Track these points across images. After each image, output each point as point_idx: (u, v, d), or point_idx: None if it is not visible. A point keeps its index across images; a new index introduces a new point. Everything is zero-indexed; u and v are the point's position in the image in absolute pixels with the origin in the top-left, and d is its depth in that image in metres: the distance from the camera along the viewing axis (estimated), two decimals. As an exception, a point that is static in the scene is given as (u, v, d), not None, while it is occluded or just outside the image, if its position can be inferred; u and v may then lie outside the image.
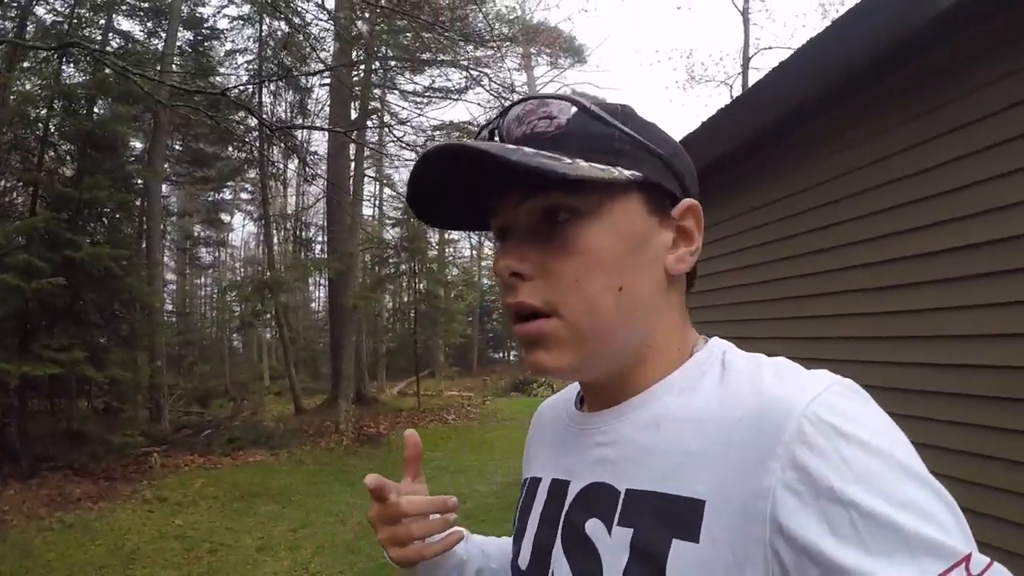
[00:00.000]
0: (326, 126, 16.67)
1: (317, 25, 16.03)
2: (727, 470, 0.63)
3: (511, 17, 18.85)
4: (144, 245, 13.62)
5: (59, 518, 7.32)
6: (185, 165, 17.62)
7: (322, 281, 26.91)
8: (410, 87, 19.19)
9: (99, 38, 13.25)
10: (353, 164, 18.13)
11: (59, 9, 13.00)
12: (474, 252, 34.49)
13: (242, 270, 29.00)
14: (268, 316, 18.38)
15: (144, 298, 11.50)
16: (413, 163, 0.74)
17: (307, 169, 17.29)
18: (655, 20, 62.03)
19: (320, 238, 24.49)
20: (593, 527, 0.73)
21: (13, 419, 9.69)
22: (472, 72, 17.03)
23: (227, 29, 16.06)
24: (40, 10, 12.68)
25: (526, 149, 0.68)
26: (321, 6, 15.96)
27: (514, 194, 0.73)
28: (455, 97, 18.82)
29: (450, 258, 26.13)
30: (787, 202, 4.67)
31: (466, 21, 15.63)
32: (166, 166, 17.17)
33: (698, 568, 0.62)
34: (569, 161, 0.68)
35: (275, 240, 22.12)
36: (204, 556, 6.35)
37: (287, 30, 15.17)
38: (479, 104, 20.17)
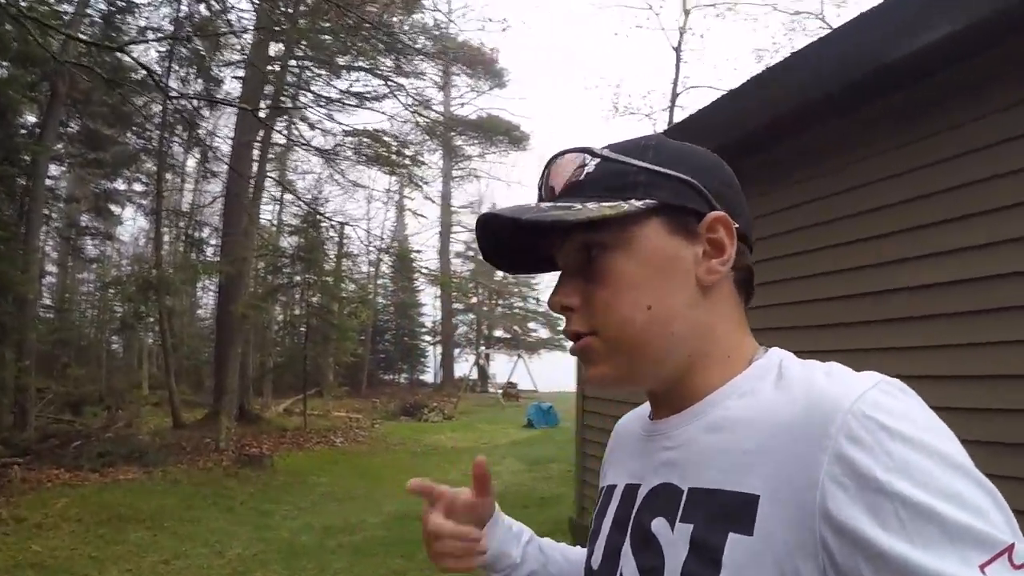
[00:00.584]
0: (235, 102, 15.92)
1: (236, 11, 15.38)
2: (779, 465, 0.67)
3: (436, 32, 18.66)
4: (23, 229, 12.48)
5: None
6: (78, 145, 16.42)
7: (211, 287, 25.83)
8: (326, 91, 18.72)
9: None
10: (256, 165, 17.51)
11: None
12: (372, 269, 34.02)
13: (128, 267, 27.51)
14: (151, 319, 17.36)
15: (17, 287, 10.61)
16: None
17: (207, 164, 16.52)
18: (588, 50, 63.38)
19: (214, 240, 23.48)
20: (658, 525, 0.77)
21: None
22: (391, 83, 16.72)
23: (143, 4, 15.09)
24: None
25: (543, 205, 0.80)
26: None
27: (553, 239, 0.85)
28: (369, 107, 18.42)
29: (347, 272, 25.67)
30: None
31: (390, 29, 15.32)
32: (59, 145, 16.02)
33: (751, 559, 0.65)
34: (579, 207, 0.77)
35: (165, 238, 21.08)
36: (63, 589, 5.66)
37: (206, 14, 14.45)
38: (393, 117, 19.90)
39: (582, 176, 0.80)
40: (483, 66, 23.90)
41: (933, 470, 0.59)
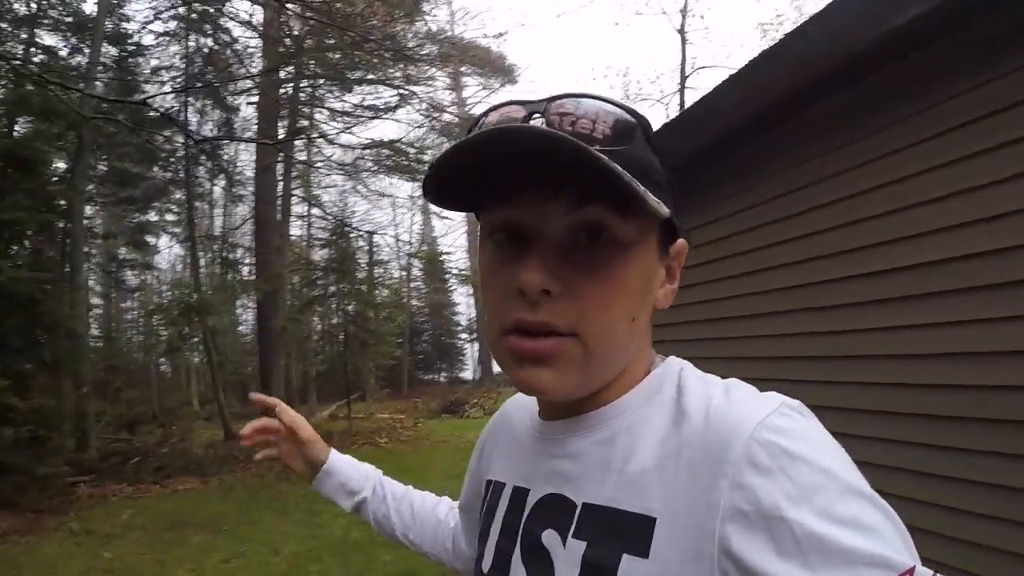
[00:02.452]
0: (254, 138, 16.46)
1: (243, 42, 15.90)
2: (677, 488, 0.65)
3: (440, 36, 18.95)
4: (67, 268, 13.20)
5: (-19, 553, 7.00)
6: (109, 185, 17.14)
7: (250, 304, 26.42)
8: (339, 105, 19.14)
9: (21, 52, 12.91)
10: (281, 183, 17.94)
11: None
12: (403, 273, 34.40)
13: (169, 293, 28.30)
14: (195, 340, 17.91)
15: (67, 323, 11.16)
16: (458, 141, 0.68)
17: (233, 189, 17.03)
18: (591, 39, 61.98)
19: (248, 259, 24.11)
20: (549, 537, 0.75)
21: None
22: (403, 91, 17.00)
23: (153, 45, 15.76)
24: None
25: (596, 149, 0.64)
26: (248, 23, 15.87)
27: (561, 200, 0.69)
28: (385, 116, 18.81)
29: (379, 279, 25.99)
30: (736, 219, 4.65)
31: (395, 40, 15.65)
32: (91, 187, 16.71)
33: None
34: (636, 181, 0.65)
35: (201, 262, 21.69)
36: (133, 591, 6.04)
37: (214, 46, 14.98)
38: (407, 123, 20.22)
39: (619, 142, 0.69)
40: (491, 65, 23.98)
41: (833, 494, 0.58)
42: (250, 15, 16.18)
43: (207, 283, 21.70)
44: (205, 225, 25.96)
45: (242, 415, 19.23)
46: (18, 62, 10.11)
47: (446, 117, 20.88)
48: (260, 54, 15.33)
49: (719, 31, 65.36)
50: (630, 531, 0.66)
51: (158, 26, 15.72)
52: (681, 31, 24.29)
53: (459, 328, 39.26)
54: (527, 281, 0.68)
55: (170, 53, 16.27)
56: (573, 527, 0.72)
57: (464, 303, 39.28)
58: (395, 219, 35.80)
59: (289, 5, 14.01)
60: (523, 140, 0.64)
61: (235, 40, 15.35)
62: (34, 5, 13.24)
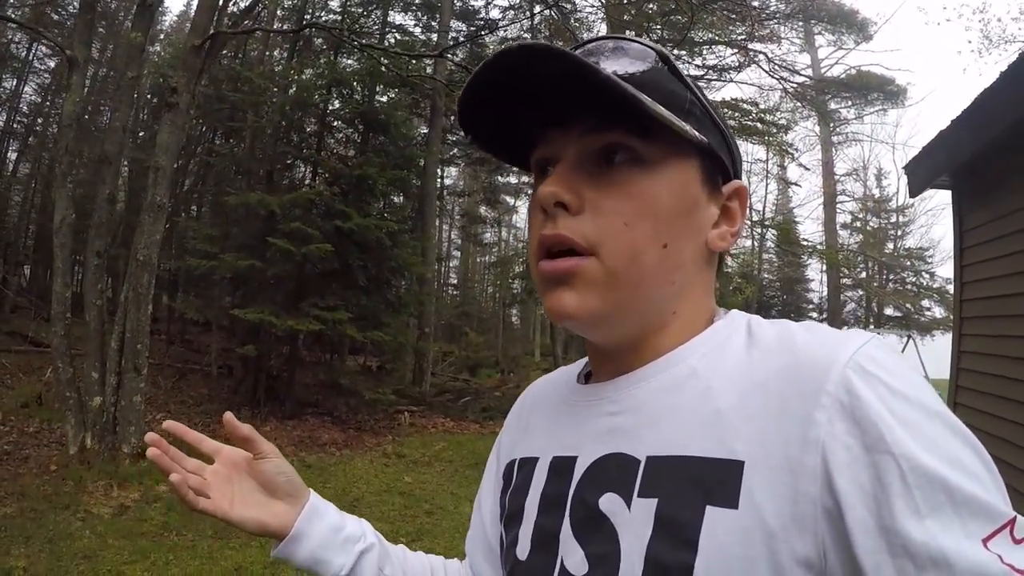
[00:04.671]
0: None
1: (585, 11, 16.24)
2: (766, 424, 0.59)
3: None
4: (420, 222, 14.75)
5: (302, 458, 8.14)
6: (463, 148, 18.75)
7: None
8: (684, 68, 18.79)
9: (376, 30, 14.60)
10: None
11: (333, 7, 14.82)
12: (755, 244, 33.31)
13: (523, 247, 30.42)
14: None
15: (415, 268, 12.39)
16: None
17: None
18: None
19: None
20: (609, 502, 0.66)
21: (286, 368, 11.10)
22: (750, 51, 16.30)
23: (499, 20, 16.74)
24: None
25: (608, 71, 0.64)
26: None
27: (579, 123, 0.69)
28: (728, 78, 18.14)
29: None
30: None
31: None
32: (455, 150, 18.49)
33: (736, 538, 0.57)
34: (651, 101, 0.64)
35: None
36: (420, 516, 6.56)
37: (558, 17, 15.52)
38: (757, 85, 19.30)
39: (639, 71, 0.69)
40: (844, 20, 21.90)
41: (934, 431, 0.55)
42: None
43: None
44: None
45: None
46: (336, 28, 11.58)
47: (798, 79, 19.59)
48: (603, 21, 15.56)
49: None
50: (712, 480, 0.59)
51: (503, 0, 16.76)
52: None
53: (810, 307, 37.22)
54: (543, 194, 0.68)
55: (518, 27, 17.15)
56: (638, 485, 0.64)
57: (817, 280, 37.13)
58: (751, 186, 34.55)
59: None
60: (530, 56, 0.63)
61: (578, 9, 15.75)
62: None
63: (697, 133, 0.68)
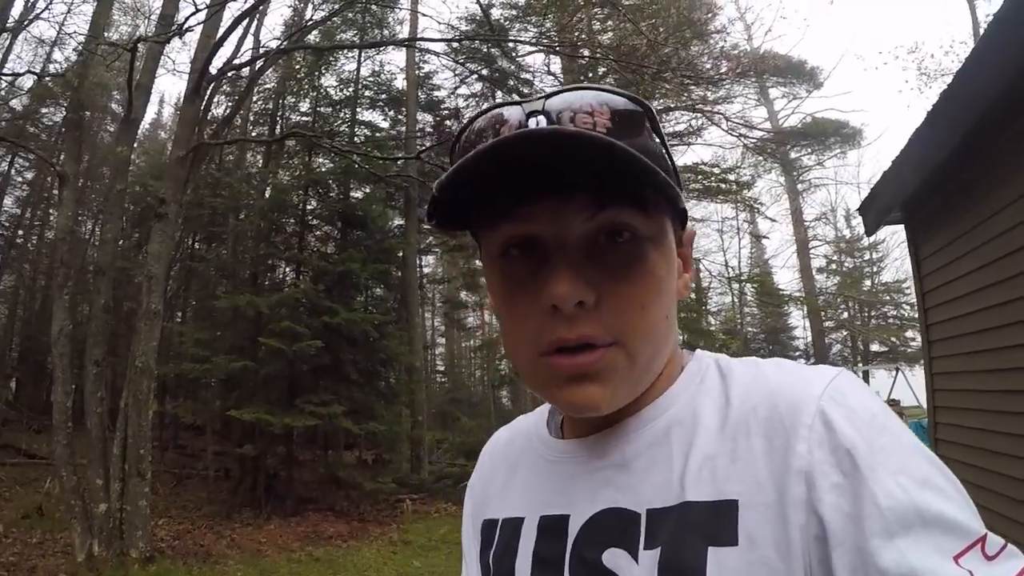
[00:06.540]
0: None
1: (539, 76, 16.90)
2: (753, 461, 0.61)
3: (735, 52, 18.44)
4: (404, 312, 14.96)
5: (309, 552, 8.17)
6: (439, 236, 19.08)
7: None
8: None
9: (345, 130, 15.08)
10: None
11: (303, 110, 15.39)
12: (734, 299, 33.62)
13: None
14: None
15: (403, 358, 12.62)
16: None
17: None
18: (866, 21, 55.65)
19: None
20: (613, 557, 0.65)
21: (283, 466, 11.11)
22: (707, 114, 16.86)
23: (463, 107, 17.35)
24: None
25: (624, 145, 0.58)
26: (548, 71, 16.82)
27: (580, 204, 0.63)
28: (688, 143, 18.72)
29: (705, 308, 25.55)
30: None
31: (692, 64, 15.60)
32: (430, 239, 18.82)
33: (742, 572, 0.58)
34: (663, 175, 0.60)
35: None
36: (434, 599, 6.56)
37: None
38: (718, 145, 19.79)
39: (635, 137, 0.64)
40: (793, 72, 22.81)
41: (906, 457, 0.57)
42: (546, 64, 17.22)
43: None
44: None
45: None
46: (315, 135, 12.11)
47: (756, 133, 20.26)
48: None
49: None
50: (710, 521, 0.61)
51: (464, 89, 17.40)
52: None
53: (796, 353, 37.35)
54: (560, 295, 0.62)
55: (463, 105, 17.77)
56: (642, 538, 0.64)
57: (801, 326, 37.39)
58: (723, 245, 35.01)
59: (584, 52, 14.67)
60: (546, 143, 0.58)
61: (536, 92, 16.34)
62: (350, 90, 15.54)
63: (683, 196, 0.67)
